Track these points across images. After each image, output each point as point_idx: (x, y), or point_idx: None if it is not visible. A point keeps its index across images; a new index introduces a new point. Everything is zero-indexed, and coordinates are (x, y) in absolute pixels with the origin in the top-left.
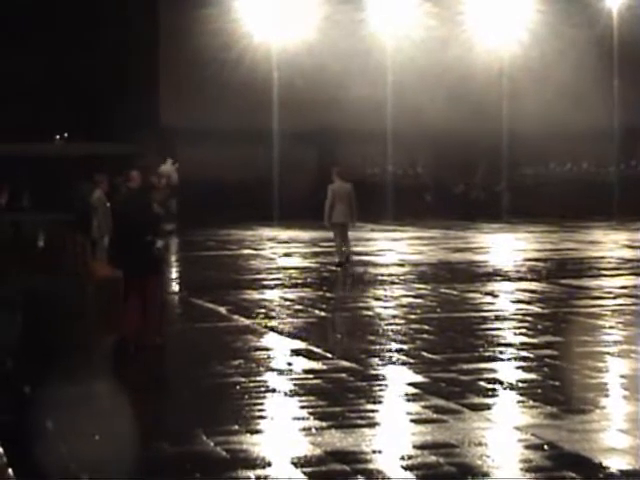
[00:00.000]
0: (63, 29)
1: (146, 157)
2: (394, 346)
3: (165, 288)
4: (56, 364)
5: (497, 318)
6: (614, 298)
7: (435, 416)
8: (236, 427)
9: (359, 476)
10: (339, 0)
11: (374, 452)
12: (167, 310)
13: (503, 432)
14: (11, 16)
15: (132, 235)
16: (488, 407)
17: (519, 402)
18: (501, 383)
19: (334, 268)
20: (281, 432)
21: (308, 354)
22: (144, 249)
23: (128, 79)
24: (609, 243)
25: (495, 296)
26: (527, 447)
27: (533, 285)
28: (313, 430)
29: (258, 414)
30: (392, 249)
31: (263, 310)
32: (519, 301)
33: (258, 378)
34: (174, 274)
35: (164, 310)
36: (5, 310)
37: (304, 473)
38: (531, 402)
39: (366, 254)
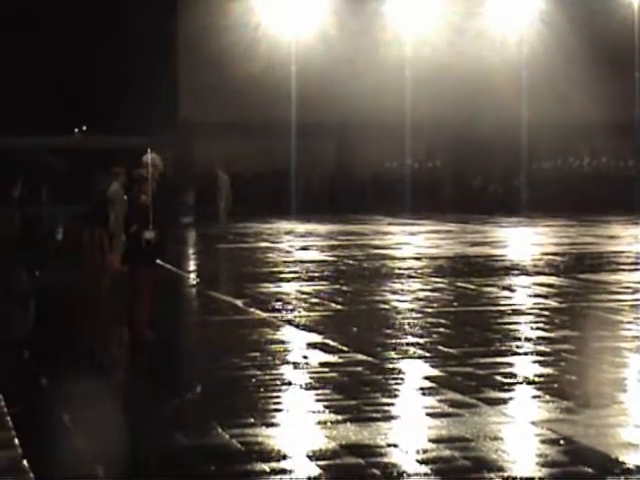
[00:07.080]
0: (85, 25)
1: (163, 150)
2: (410, 340)
3: (180, 280)
4: (71, 356)
5: (514, 312)
6: (632, 293)
7: (451, 410)
8: (251, 420)
9: (374, 469)
10: None
11: (389, 446)
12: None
13: (519, 427)
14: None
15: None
16: (504, 401)
17: (535, 397)
18: (517, 377)
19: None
20: (296, 425)
21: (324, 347)
22: (131, 240)
23: (148, 74)
24: (628, 237)
25: (512, 290)
26: (543, 442)
27: (551, 279)
28: (328, 423)
29: (273, 407)
30: (409, 243)
31: (279, 303)
32: (536, 295)
33: (274, 371)
34: (191, 267)
35: (151, 304)
36: (19, 302)
37: (319, 466)
38: (547, 397)
39: (383, 247)
